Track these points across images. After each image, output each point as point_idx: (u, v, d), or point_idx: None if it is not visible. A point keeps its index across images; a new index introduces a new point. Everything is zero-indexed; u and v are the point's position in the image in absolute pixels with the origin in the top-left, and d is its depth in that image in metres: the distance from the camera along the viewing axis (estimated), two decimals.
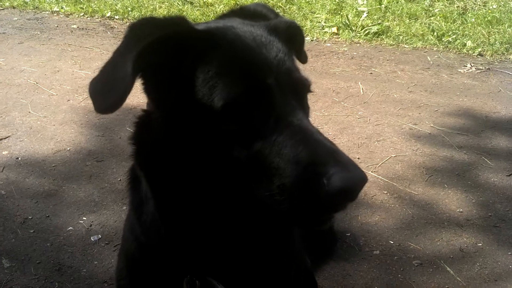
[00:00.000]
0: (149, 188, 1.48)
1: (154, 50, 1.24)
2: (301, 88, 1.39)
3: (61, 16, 7.72)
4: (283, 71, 1.33)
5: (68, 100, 4.85)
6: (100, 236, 3.06)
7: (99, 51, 6.24)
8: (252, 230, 1.52)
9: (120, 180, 3.55)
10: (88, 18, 7.63)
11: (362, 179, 1.19)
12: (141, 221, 1.55)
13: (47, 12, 7.87)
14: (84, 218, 3.21)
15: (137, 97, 5.03)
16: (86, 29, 7.14)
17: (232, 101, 1.24)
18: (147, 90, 1.39)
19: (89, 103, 4.69)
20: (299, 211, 1.23)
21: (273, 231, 1.59)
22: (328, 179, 1.15)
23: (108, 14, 7.64)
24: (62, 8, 7.91)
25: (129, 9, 7.71)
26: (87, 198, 3.40)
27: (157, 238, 1.53)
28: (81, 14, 7.74)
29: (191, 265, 1.55)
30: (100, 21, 7.52)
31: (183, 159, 1.36)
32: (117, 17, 7.59)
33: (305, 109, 1.40)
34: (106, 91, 1.21)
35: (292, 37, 1.54)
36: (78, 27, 7.21)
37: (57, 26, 7.23)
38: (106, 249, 2.96)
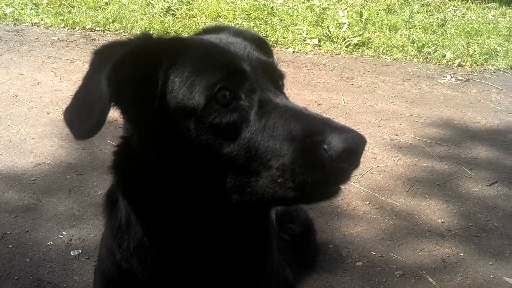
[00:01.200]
0: (135, 215, 1.44)
1: (125, 66, 1.23)
2: (276, 74, 1.43)
3: (41, 28, 7.65)
4: (254, 59, 1.37)
5: (48, 113, 4.80)
6: (80, 251, 3.01)
7: (80, 63, 6.19)
8: (234, 246, 1.51)
9: (100, 193, 3.51)
10: (69, 30, 7.58)
11: (361, 137, 1.20)
12: (122, 248, 1.51)
13: (27, 24, 7.80)
14: (64, 232, 3.17)
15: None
16: (66, 41, 7.10)
17: (213, 91, 1.23)
18: (124, 111, 1.36)
19: None
20: (305, 186, 1.20)
21: (253, 246, 1.59)
22: (329, 144, 1.16)
23: (89, 26, 7.60)
24: (42, 19, 7.85)
25: (110, 20, 7.68)
26: (67, 212, 3.35)
27: (141, 265, 1.49)
28: (62, 26, 7.69)
29: (173, 283, 1.53)
30: (81, 33, 7.47)
31: (172, 173, 1.34)
32: (98, 28, 7.56)
33: (283, 93, 1.42)
34: (83, 116, 1.19)
35: (259, 45, 1.55)
36: (58, 39, 7.16)
37: (37, 38, 7.16)
38: (87, 264, 2.92)
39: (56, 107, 4.92)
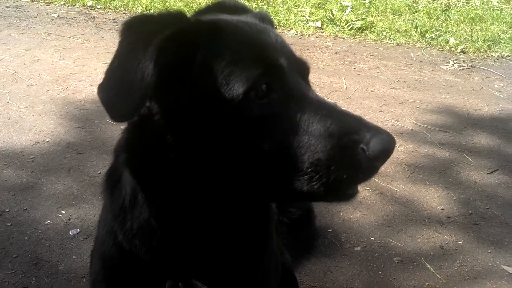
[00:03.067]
0: (144, 195, 1.42)
1: (167, 49, 1.18)
2: (305, 68, 1.43)
3: (41, 4, 7.58)
4: (287, 53, 1.36)
5: (48, 90, 4.76)
6: (79, 230, 3.01)
7: (80, 41, 6.15)
8: (237, 231, 1.52)
9: (100, 173, 3.50)
10: (69, 7, 7.51)
11: (393, 138, 1.24)
12: (124, 228, 1.49)
13: (26, 0, 7.72)
14: (62, 211, 3.16)
15: None
16: (66, 18, 7.03)
17: (252, 85, 1.22)
18: (154, 94, 1.27)
19: (68, 93, 4.65)
20: (339, 183, 1.24)
21: (255, 233, 1.59)
22: (367, 145, 1.20)
23: (90, 3, 7.53)
24: None
25: None
26: (66, 191, 3.35)
27: (145, 245, 1.47)
28: (62, 3, 7.62)
29: (176, 268, 1.52)
30: (81, 10, 7.41)
31: (195, 160, 1.30)
32: (98, 6, 7.49)
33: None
34: (121, 97, 1.15)
35: (271, 25, 1.56)
36: (58, 16, 7.09)
37: (37, 15, 7.10)
38: (85, 243, 2.92)
39: (55, 84, 4.89)
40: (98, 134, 4.02)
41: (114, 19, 7.06)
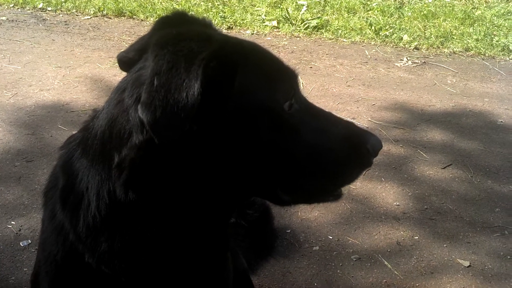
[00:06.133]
0: (138, 214, 1.36)
1: (211, 66, 1.18)
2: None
3: None
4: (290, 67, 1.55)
5: None
6: (30, 241, 2.91)
7: (30, 44, 5.97)
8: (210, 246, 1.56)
9: None
10: (19, 10, 7.29)
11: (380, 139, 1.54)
12: (99, 250, 1.41)
13: None
14: (12, 222, 3.05)
15: (70, 93, 4.85)
16: (16, 21, 6.82)
17: (290, 98, 1.39)
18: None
19: (18, 99, 4.51)
20: (351, 175, 1.52)
21: (220, 245, 1.64)
22: (371, 145, 1.49)
23: (40, 6, 7.32)
24: None
25: (62, 0, 7.42)
26: (16, 201, 3.23)
27: (127, 265, 1.42)
28: (11, 5, 7.38)
29: (147, 282, 1.48)
30: (32, 12, 7.20)
31: (225, 171, 1.35)
32: (49, 8, 7.29)
33: None
34: (169, 118, 1.12)
35: None
36: (7, 18, 6.88)
37: None
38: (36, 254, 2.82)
39: (4, 90, 4.72)
40: (49, 140, 3.90)
41: (65, 21, 6.89)
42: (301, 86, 5.05)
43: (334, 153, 1.46)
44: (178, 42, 1.20)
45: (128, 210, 1.36)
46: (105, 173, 1.36)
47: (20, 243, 2.89)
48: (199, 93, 1.11)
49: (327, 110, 1.55)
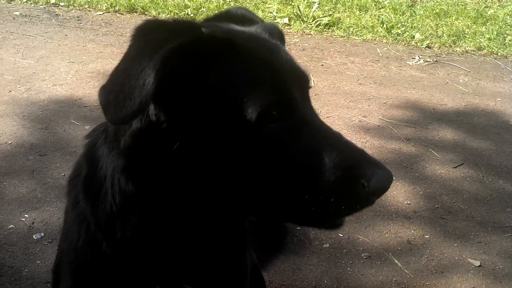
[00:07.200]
0: (142, 205, 1.39)
1: (174, 60, 1.16)
2: (306, 82, 1.45)
3: (3, 2, 7.38)
4: (295, 73, 1.39)
5: (10, 91, 4.64)
6: (43, 234, 2.94)
7: (43, 39, 6.01)
8: (225, 238, 1.56)
9: (64, 175, 3.41)
10: (32, 5, 7.34)
11: (391, 176, 1.30)
12: (114, 239, 1.44)
13: None
14: (26, 215, 3.08)
15: (82, 88, 4.88)
16: (29, 16, 6.87)
17: (265, 110, 1.23)
18: (160, 99, 1.25)
19: (31, 94, 4.55)
20: (336, 213, 1.32)
21: (238, 238, 1.64)
22: (368, 181, 1.25)
23: (53, 1, 7.37)
24: None
25: None
26: (29, 194, 3.26)
27: (139, 255, 1.46)
28: (24, 1, 7.43)
29: (167, 274, 1.51)
30: (45, 7, 7.24)
31: (200, 172, 1.30)
32: (62, 4, 7.33)
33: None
34: (120, 102, 1.12)
35: (281, 39, 1.58)
36: (21, 13, 6.93)
37: None
38: (50, 247, 2.85)
39: (18, 85, 4.76)
40: (62, 135, 3.93)
41: (78, 17, 6.93)
42: (312, 83, 5.07)
43: (318, 182, 1.28)
44: (153, 31, 1.21)
45: (134, 200, 1.39)
46: (116, 160, 1.39)
47: (33, 236, 2.92)
48: (154, 83, 1.10)
49: (335, 130, 1.38)
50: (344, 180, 1.27)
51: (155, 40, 1.16)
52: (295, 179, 1.28)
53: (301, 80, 1.41)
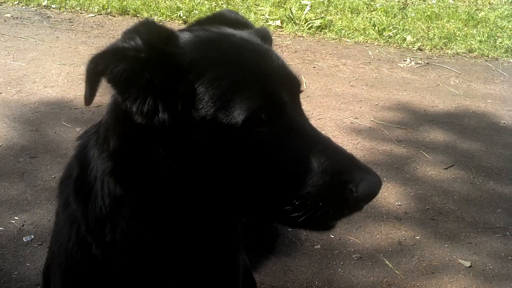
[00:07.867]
0: (131, 207, 1.39)
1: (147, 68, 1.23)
2: (297, 86, 1.44)
3: None
4: (286, 77, 1.39)
5: (0, 93, 4.62)
6: (33, 237, 2.92)
7: (34, 41, 5.99)
8: (217, 241, 1.56)
9: (54, 177, 3.40)
10: (23, 7, 7.32)
11: (380, 182, 1.29)
12: (104, 241, 1.44)
13: None
14: (16, 217, 3.06)
15: (74, 90, 4.86)
16: (20, 18, 6.85)
17: (252, 115, 1.23)
18: (142, 110, 1.26)
19: (22, 96, 4.53)
20: (323, 218, 1.29)
21: (230, 241, 1.64)
22: (356, 186, 1.24)
23: (45, 3, 7.35)
24: None
25: None
26: (19, 196, 3.25)
27: (129, 257, 1.45)
28: (16, 3, 7.41)
29: (158, 277, 1.50)
30: (36, 10, 7.23)
31: (188, 176, 1.30)
32: (53, 6, 7.32)
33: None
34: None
35: (271, 44, 1.58)
36: (12, 16, 6.90)
37: None
38: (39, 250, 2.83)
39: (9, 87, 4.74)
40: (53, 137, 3.91)
41: (69, 19, 6.91)
42: (303, 85, 5.07)
43: (306, 187, 1.27)
44: (130, 34, 1.27)
45: (123, 203, 1.38)
46: (106, 163, 1.39)
47: (23, 239, 2.90)
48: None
49: (325, 135, 1.37)
50: (332, 185, 1.27)
51: (128, 43, 1.26)
52: (283, 183, 1.28)
53: (292, 84, 1.40)
